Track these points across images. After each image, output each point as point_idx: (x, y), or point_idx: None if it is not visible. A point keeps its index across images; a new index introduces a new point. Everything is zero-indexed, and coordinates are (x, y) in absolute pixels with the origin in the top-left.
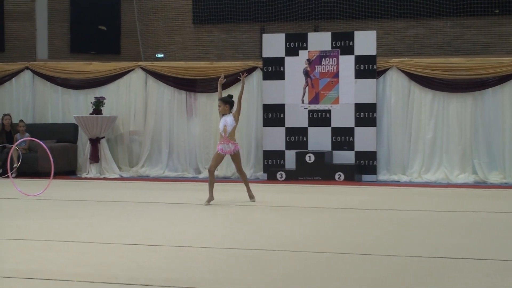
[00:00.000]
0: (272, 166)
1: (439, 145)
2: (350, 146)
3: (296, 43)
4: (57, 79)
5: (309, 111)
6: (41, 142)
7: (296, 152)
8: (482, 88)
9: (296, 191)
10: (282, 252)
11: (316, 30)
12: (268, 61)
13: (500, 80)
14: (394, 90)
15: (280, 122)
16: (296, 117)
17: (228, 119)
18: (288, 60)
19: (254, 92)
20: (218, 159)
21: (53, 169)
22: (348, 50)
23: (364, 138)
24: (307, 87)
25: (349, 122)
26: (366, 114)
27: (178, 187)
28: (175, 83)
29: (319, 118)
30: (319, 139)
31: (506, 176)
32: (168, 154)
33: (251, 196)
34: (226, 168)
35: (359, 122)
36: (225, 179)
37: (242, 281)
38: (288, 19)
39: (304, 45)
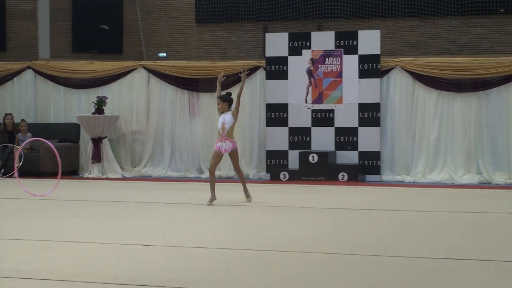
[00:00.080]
0: (275, 166)
1: (443, 145)
2: (353, 146)
3: (300, 42)
4: (59, 78)
5: (313, 110)
6: (49, 143)
7: (299, 152)
8: (487, 87)
9: (298, 192)
10: (283, 253)
11: (319, 29)
12: (271, 61)
13: (505, 79)
14: (398, 89)
15: (283, 122)
16: (300, 117)
17: (227, 117)
18: (292, 60)
19: (257, 91)
20: (217, 157)
21: (60, 169)
22: (351, 49)
23: (367, 138)
24: (310, 87)
25: (353, 122)
26: (370, 114)
27: (180, 187)
28: (177, 83)
29: (323, 118)
30: (323, 139)
31: (511, 176)
32: (171, 154)
33: (248, 196)
34: (229, 168)
35: (363, 122)
36: (228, 179)
37: (243, 281)
38: (291, 18)
39: (308, 44)
